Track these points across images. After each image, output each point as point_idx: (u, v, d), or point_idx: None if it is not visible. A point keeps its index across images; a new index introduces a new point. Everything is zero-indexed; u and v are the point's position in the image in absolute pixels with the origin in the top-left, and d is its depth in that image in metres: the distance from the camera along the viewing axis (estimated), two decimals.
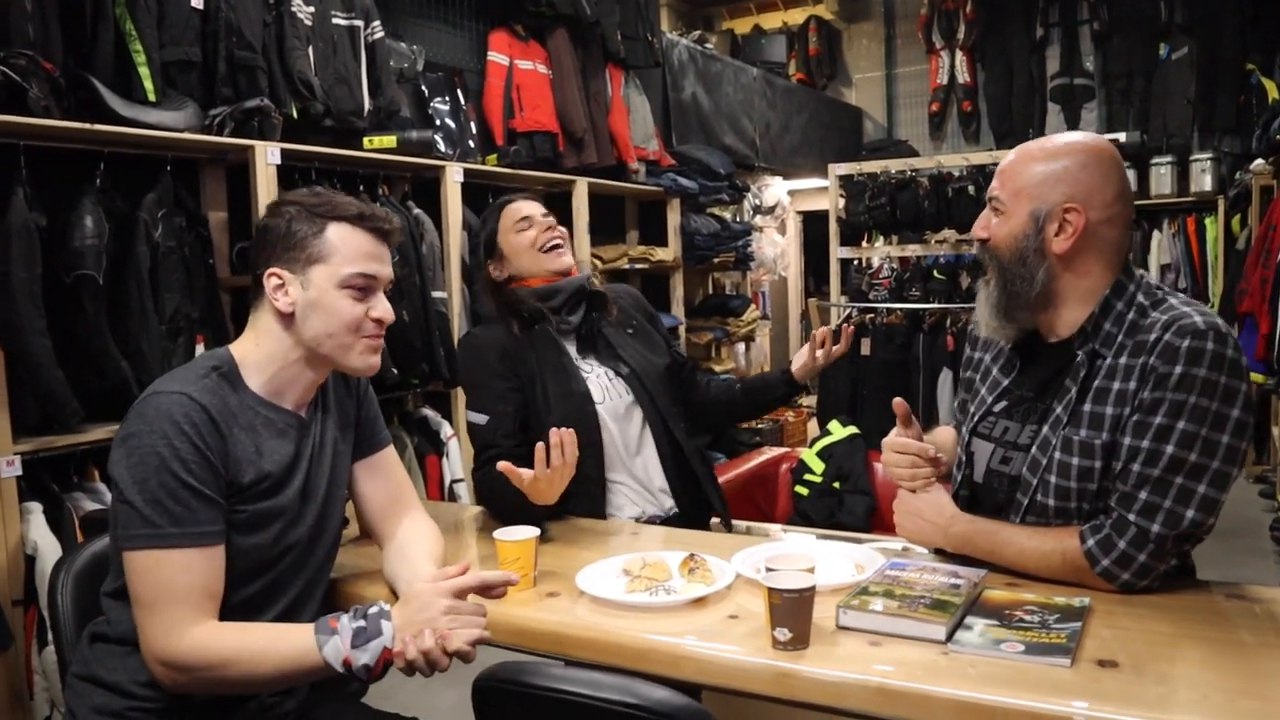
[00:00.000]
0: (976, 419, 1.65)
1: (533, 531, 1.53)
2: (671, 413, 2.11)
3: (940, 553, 1.63)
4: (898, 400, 1.63)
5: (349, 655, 1.26)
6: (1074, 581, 1.42)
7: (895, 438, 1.61)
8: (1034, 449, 1.51)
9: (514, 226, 2.09)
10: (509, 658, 1.35)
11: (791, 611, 1.22)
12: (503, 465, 1.67)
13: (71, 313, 2.63)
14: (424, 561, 1.47)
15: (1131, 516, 1.37)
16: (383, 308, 1.46)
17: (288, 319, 1.43)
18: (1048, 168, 1.49)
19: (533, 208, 2.13)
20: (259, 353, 1.45)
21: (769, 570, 1.26)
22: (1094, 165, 1.48)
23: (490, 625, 1.35)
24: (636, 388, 2.07)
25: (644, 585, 1.45)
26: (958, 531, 1.53)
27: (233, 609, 1.36)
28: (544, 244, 2.06)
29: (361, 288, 1.43)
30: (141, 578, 1.28)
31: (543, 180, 4.45)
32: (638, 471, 2.05)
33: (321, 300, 1.42)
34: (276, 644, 1.29)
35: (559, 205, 4.60)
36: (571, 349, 2.08)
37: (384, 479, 1.61)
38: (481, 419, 1.99)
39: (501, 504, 1.86)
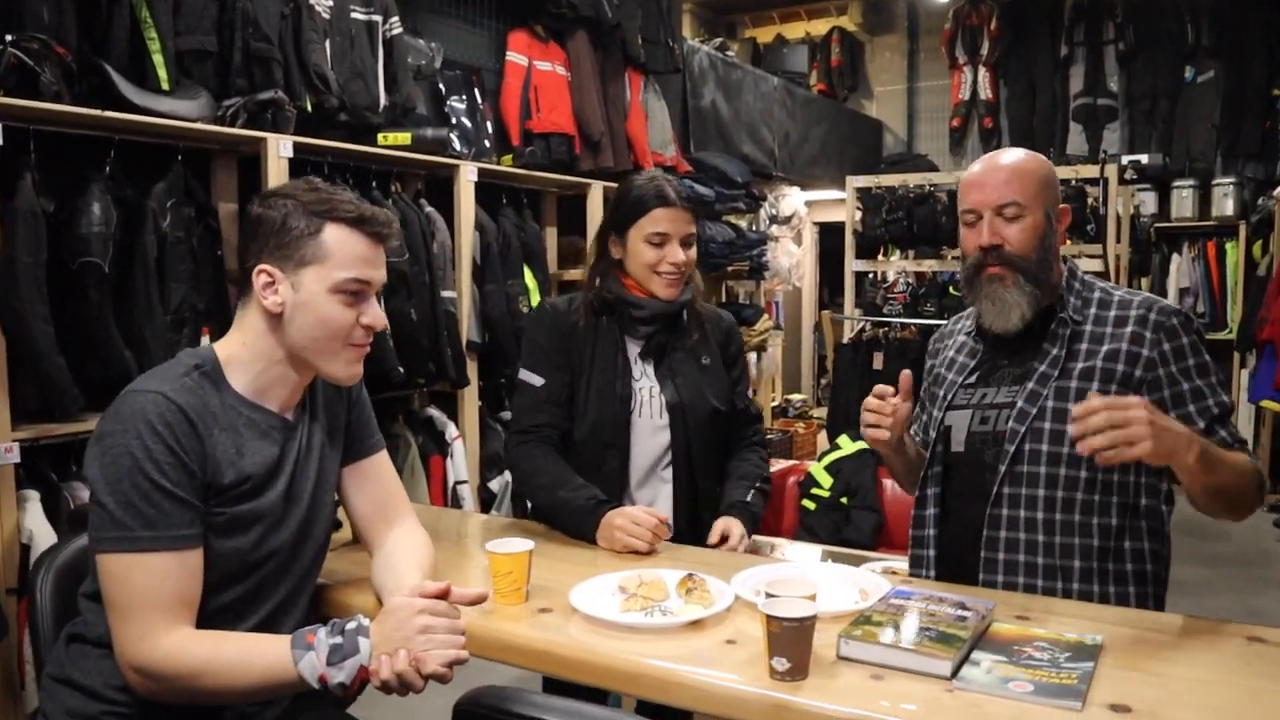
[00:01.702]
0: (950, 396, 1.79)
1: (527, 545, 1.48)
2: (700, 455, 2.00)
3: (940, 579, 1.72)
4: (905, 373, 1.72)
5: (325, 672, 1.22)
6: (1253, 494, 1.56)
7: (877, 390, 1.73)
8: (1020, 402, 1.68)
9: (647, 235, 1.96)
10: (497, 671, 1.32)
11: (791, 641, 1.17)
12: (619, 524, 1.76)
13: (75, 300, 2.60)
14: (411, 571, 1.43)
15: (1231, 441, 1.60)
16: (373, 313, 1.41)
17: (275, 318, 1.39)
18: (1041, 173, 1.72)
19: (675, 225, 1.97)
20: (244, 351, 1.41)
21: (769, 596, 1.22)
22: (1053, 171, 1.76)
23: (479, 640, 1.32)
24: (676, 418, 1.98)
25: (639, 604, 1.40)
26: (1199, 443, 1.41)
27: (212, 614, 1.32)
28: (664, 271, 1.97)
29: (354, 293, 1.39)
30: (114, 581, 1.25)
31: (558, 183, 4.41)
32: (643, 497, 1.99)
33: (311, 303, 1.37)
34: (251, 656, 1.25)
35: (574, 208, 4.57)
36: (635, 350, 2.02)
37: (374, 485, 1.57)
38: (537, 380, 1.98)
39: (533, 482, 1.92)
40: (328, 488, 1.51)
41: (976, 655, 1.24)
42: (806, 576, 1.39)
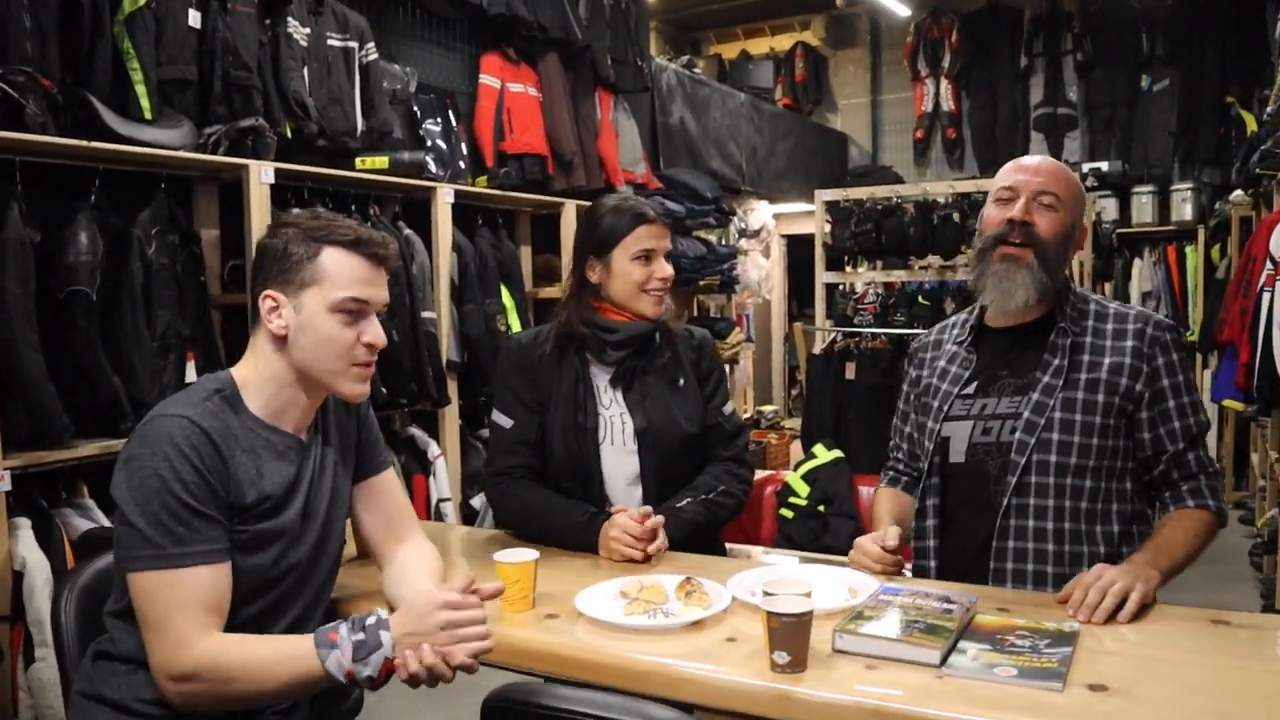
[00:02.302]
0: (946, 408, 1.80)
1: (532, 554, 1.54)
2: (671, 478, 1.99)
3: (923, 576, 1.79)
4: (894, 531, 1.74)
5: (351, 668, 1.27)
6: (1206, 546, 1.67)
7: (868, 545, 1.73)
8: (1026, 413, 1.70)
9: (634, 253, 1.96)
10: (508, 678, 1.37)
11: (790, 635, 1.24)
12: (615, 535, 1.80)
13: (64, 328, 2.63)
14: (424, 581, 1.48)
15: (1197, 469, 1.72)
16: (374, 332, 1.46)
17: (280, 341, 1.44)
18: (1079, 188, 1.80)
19: (658, 240, 1.99)
20: (257, 375, 1.47)
21: (767, 595, 1.28)
22: (1083, 190, 1.83)
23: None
24: (645, 444, 1.97)
25: (642, 608, 1.47)
26: (1155, 570, 1.54)
27: (235, 628, 1.37)
28: (652, 288, 1.97)
29: (353, 311, 1.44)
30: (147, 597, 1.29)
31: (531, 202, 4.48)
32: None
33: (312, 324, 1.42)
34: (280, 655, 1.30)
35: (548, 227, 4.63)
36: (604, 379, 2.02)
37: (384, 501, 1.63)
38: (507, 422, 2.00)
39: (521, 519, 1.92)
40: (341, 505, 1.56)
41: (963, 644, 1.32)
42: (800, 576, 1.47)
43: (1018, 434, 1.70)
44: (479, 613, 1.33)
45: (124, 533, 1.31)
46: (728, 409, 2.09)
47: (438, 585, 1.47)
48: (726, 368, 6.42)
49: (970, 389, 1.80)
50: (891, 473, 2.03)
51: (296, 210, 1.55)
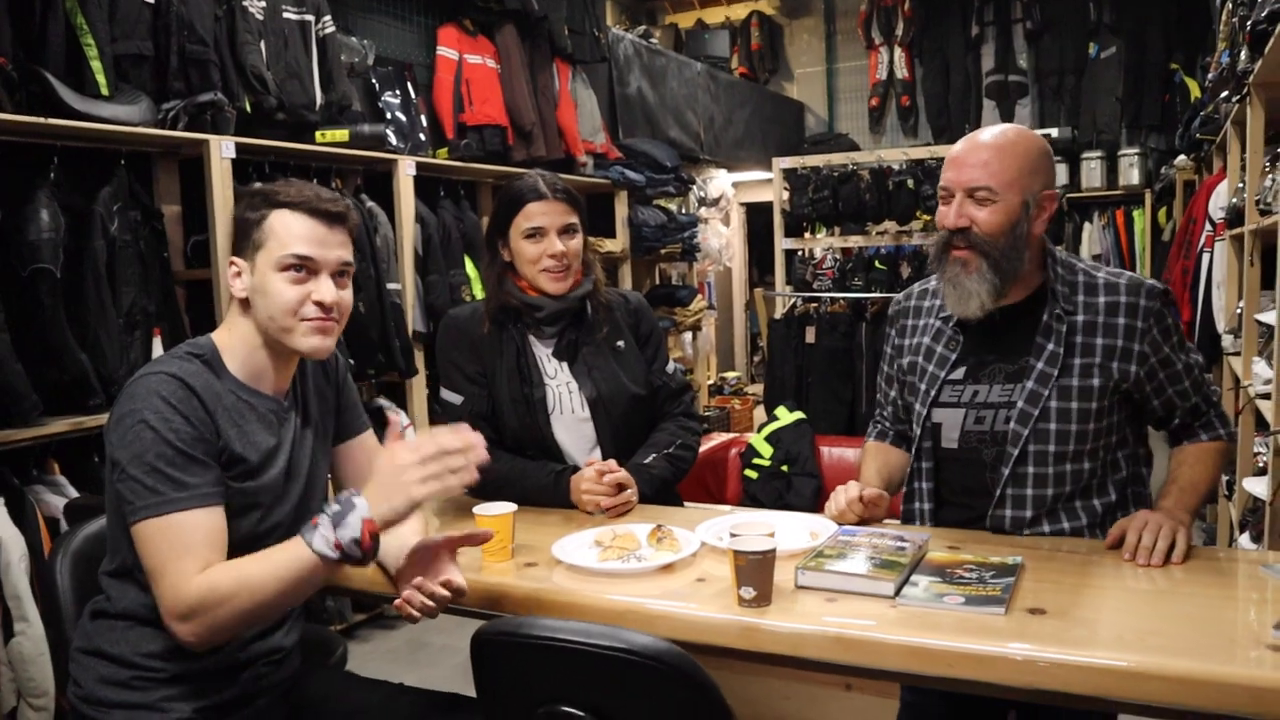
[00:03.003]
0: (934, 393, 1.76)
1: (510, 507, 1.61)
2: (626, 440, 2.05)
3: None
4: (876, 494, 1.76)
5: (336, 537, 1.30)
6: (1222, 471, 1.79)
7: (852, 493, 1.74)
8: (1020, 403, 1.66)
9: (524, 231, 1.98)
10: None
11: (755, 571, 1.33)
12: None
13: (29, 307, 2.64)
14: (410, 536, 1.54)
15: (1206, 406, 1.76)
16: (325, 290, 1.46)
17: (245, 305, 1.49)
18: (1027, 159, 1.65)
19: (549, 217, 1.98)
20: (232, 339, 1.51)
21: (733, 536, 1.36)
22: (1048, 154, 1.69)
23: (473, 593, 1.45)
24: (598, 411, 2.03)
25: (616, 554, 1.55)
26: (1186, 514, 1.62)
27: None
28: (545, 266, 1.98)
29: (297, 268, 1.45)
30: (151, 545, 1.33)
31: (493, 173, 4.50)
32: None
33: (263, 285, 1.46)
34: (271, 560, 1.33)
35: None
36: (546, 351, 2.06)
37: (364, 462, 1.68)
38: (456, 398, 2.04)
39: (489, 488, 1.87)
40: (322, 466, 1.61)
41: (915, 578, 1.41)
42: (764, 520, 1.55)
43: (1012, 424, 1.66)
44: (452, 458, 1.33)
45: (124, 488, 1.35)
46: (670, 368, 2.17)
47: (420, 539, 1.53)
48: (689, 335, 6.53)
49: (959, 374, 1.75)
50: (879, 427, 2.03)
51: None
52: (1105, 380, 1.65)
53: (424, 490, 1.31)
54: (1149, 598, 1.39)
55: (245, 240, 1.48)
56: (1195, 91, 6.44)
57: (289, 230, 1.46)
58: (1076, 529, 1.68)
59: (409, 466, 1.31)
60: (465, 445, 1.33)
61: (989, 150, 1.65)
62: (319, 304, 1.46)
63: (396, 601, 1.39)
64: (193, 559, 1.32)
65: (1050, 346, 1.67)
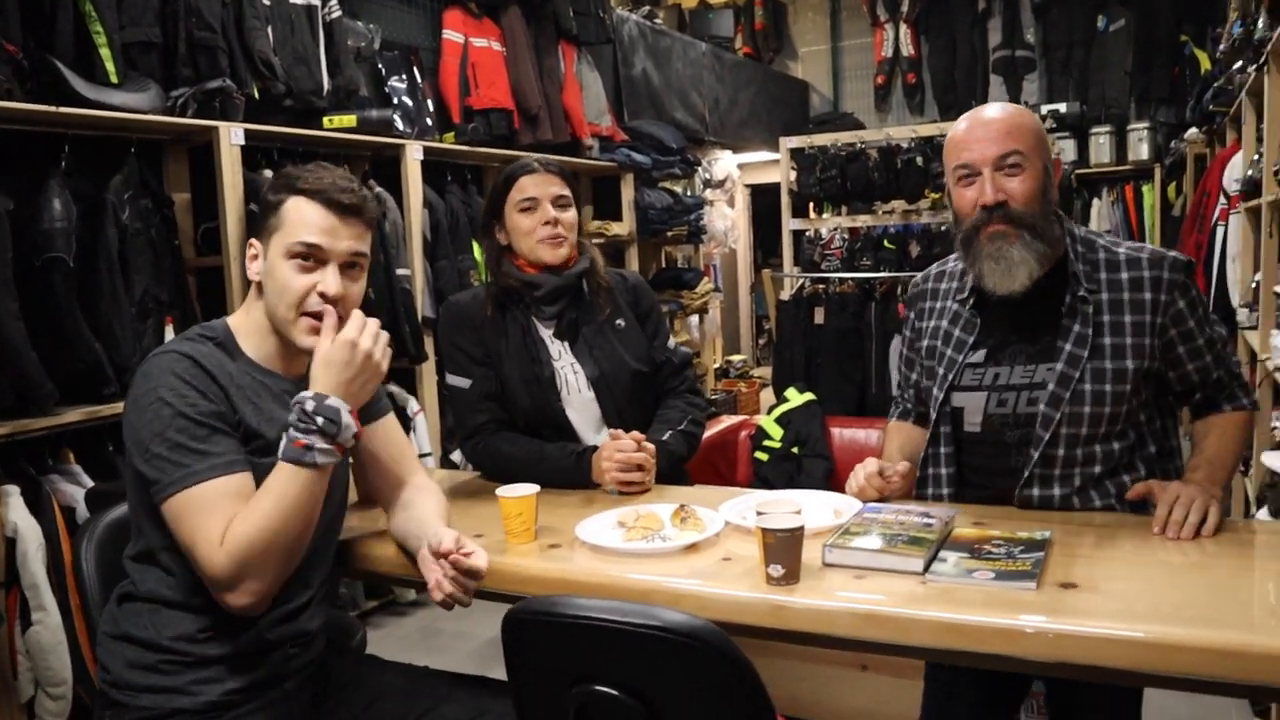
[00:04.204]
0: (953, 377, 1.73)
1: (533, 488, 1.61)
2: (632, 417, 2.05)
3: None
4: (904, 466, 1.75)
5: (338, 444, 1.38)
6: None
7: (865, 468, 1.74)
8: (1052, 385, 1.63)
9: (518, 204, 2.03)
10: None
11: (784, 549, 1.32)
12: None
13: (43, 296, 2.64)
14: (433, 519, 1.53)
15: (1229, 379, 1.73)
16: (330, 281, 1.45)
17: (259, 288, 1.50)
18: (1034, 124, 1.65)
19: (541, 188, 2.03)
20: (248, 322, 1.52)
21: (760, 514, 1.36)
22: (1042, 126, 1.68)
23: (497, 575, 1.45)
24: (600, 390, 2.05)
25: (640, 534, 1.54)
26: (1217, 488, 1.60)
27: None
28: (541, 235, 2.01)
29: (305, 256, 1.44)
30: (183, 519, 1.34)
31: (499, 158, 4.48)
32: None
33: (273, 270, 1.46)
34: (280, 496, 1.35)
35: None
36: (548, 332, 2.08)
37: (386, 445, 1.68)
38: (464, 382, 2.04)
39: (508, 472, 1.90)
40: None
41: (943, 554, 1.40)
42: (790, 498, 1.55)
43: (1042, 406, 1.63)
44: (374, 321, 1.44)
45: (149, 468, 1.35)
46: (671, 344, 2.20)
47: (445, 524, 1.53)
48: (696, 318, 6.51)
49: (978, 356, 1.72)
50: (901, 408, 2.00)
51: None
52: (1138, 360, 1.62)
53: (387, 363, 1.44)
54: (1180, 570, 1.39)
55: (264, 222, 1.48)
56: (1206, 63, 6.37)
57: (302, 217, 1.45)
58: (1107, 505, 1.66)
59: (363, 344, 1.41)
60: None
61: (1004, 122, 1.63)
62: (322, 295, 1.45)
63: (431, 588, 1.40)
64: (223, 523, 1.33)
65: (1077, 328, 1.64)
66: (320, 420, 1.36)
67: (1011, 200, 1.61)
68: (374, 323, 1.44)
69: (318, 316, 1.45)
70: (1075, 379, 1.62)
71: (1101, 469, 1.65)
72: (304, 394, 1.38)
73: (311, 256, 1.45)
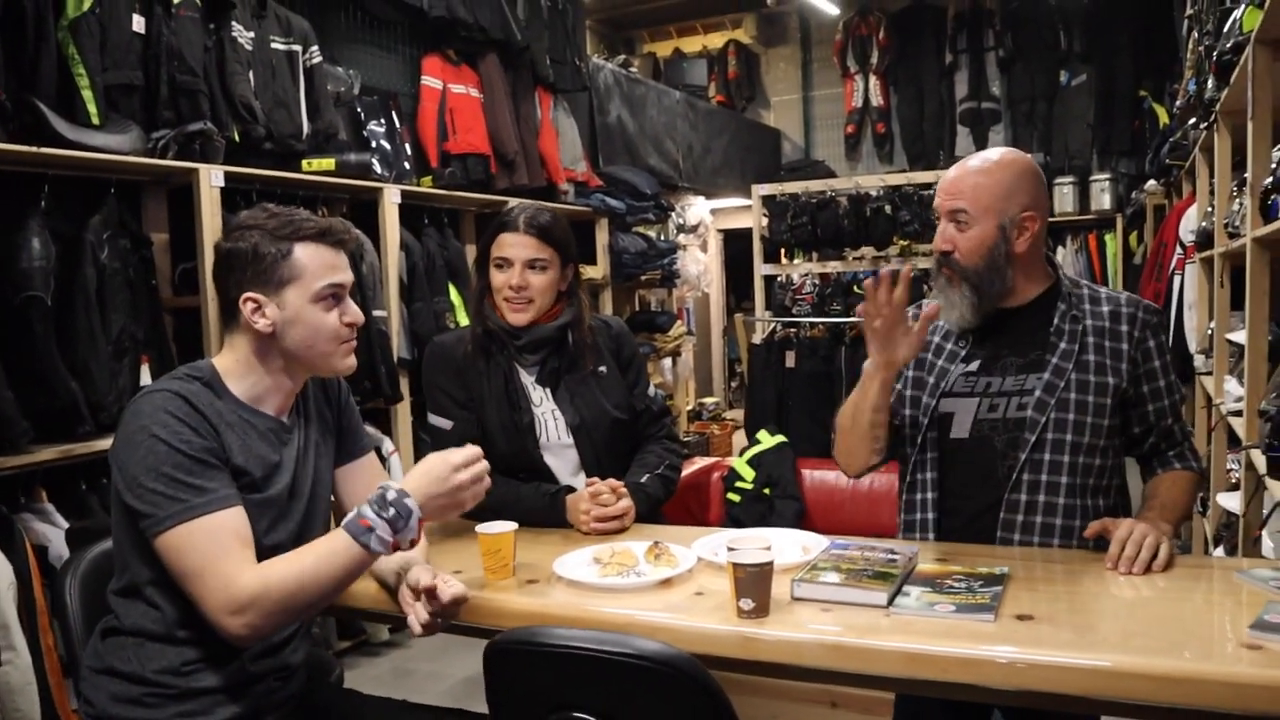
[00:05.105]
0: (945, 385, 1.81)
1: (511, 525, 1.65)
2: (610, 464, 2.08)
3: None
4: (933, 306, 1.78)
5: (395, 539, 1.41)
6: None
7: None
8: (1039, 391, 1.73)
9: (494, 259, 2.05)
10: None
11: (754, 583, 1.37)
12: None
13: (20, 334, 2.64)
14: (412, 557, 1.56)
15: (1181, 436, 1.82)
16: (352, 312, 1.57)
17: (267, 338, 1.53)
18: (1004, 182, 1.74)
19: (516, 250, 2.02)
20: (237, 366, 1.55)
21: (730, 549, 1.40)
22: (1033, 175, 1.77)
23: (476, 611, 1.48)
24: (580, 437, 2.08)
25: (615, 570, 1.58)
26: (1168, 525, 1.67)
27: None
28: (506, 295, 2.03)
29: (332, 296, 1.54)
30: (181, 553, 1.37)
31: (476, 202, 4.56)
32: None
33: (300, 317, 1.52)
34: (321, 558, 1.40)
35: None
36: (531, 377, 2.10)
37: (367, 482, 1.70)
38: (446, 424, 2.07)
39: (482, 509, 1.92)
40: (324, 484, 1.64)
41: (907, 588, 1.45)
42: (759, 535, 1.59)
43: (1029, 410, 1.72)
44: (482, 466, 1.51)
45: (142, 503, 1.38)
46: (650, 391, 2.23)
47: (424, 560, 1.56)
48: (669, 361, 6.58)
49: (973, 366, 1.81)
50: None
51: (245, 212, 1.63)
52: (1116, 379, 1.74)
53: (465, 496, 1.46)
54: (1132, 603, 1.45)
55: (266, 275, 1.50)
56: (1164, 118, 6.59)
57: (318, 263, 1.53)
58: (1084, 526, 1.69)
59: (454, 472, 1.45)
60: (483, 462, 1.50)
61: (971, 175, 1.75)
62: (349, 324, 1.56)
63: (410, 624, 1.45)
64: (235, 559, 1.37)
65: (1064, 344, 1.75)
66: (392, 512, 1.41)
67: (956, 251, 1.75)
68: (483, 465, 1.51)
69: (350, 341, 1.58)
70: (1061, 387, 1.72)
71: (1082, 480, 1.72)
72: (392, 484, 1.44)
73: (335, 294, 1.54)
